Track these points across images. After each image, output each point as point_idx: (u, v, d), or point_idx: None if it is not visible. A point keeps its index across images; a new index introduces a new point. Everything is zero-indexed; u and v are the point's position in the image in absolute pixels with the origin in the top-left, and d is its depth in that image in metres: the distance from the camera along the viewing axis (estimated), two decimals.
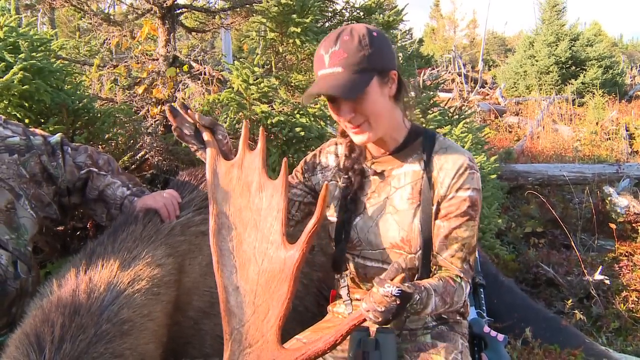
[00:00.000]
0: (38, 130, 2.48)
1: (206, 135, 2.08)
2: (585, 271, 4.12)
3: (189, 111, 2.11)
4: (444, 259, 1.85)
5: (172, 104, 2.17)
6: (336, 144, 2.10)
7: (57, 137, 2.46)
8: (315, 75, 1.79)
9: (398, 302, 1.51)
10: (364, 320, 1.54)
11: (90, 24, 4.69)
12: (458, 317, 2.08)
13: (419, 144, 1.92)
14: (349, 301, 2.08)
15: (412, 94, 5.10)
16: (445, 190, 1.84)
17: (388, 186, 1.94)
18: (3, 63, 2.98)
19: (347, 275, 2.07)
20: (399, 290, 1.49)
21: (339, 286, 2.12)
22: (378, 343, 1.65)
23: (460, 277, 1.84)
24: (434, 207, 1.86)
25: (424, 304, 1.66)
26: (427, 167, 1.87)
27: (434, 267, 1.88)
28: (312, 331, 2.09)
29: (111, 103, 4.14)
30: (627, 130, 10.30)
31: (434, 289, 1.70)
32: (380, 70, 1.76)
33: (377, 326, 1.66)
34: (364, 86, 1.71)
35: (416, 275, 1.90)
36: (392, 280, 1.51)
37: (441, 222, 1.85)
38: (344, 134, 2.01)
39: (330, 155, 2.09)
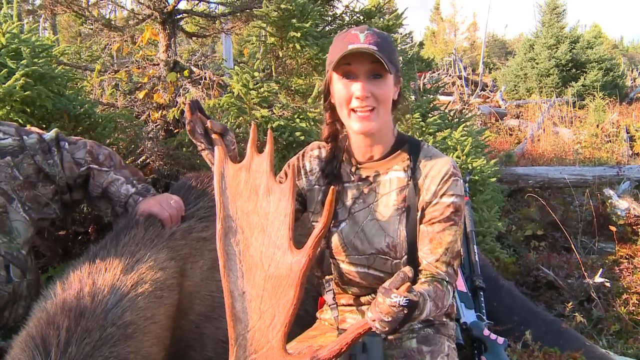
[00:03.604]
0: (33, 129, 2.46)
1: (215, 138, 2.09)
2: (585, 274, 4.11)
3: (201, 115, 2.15)
4: (429, 264, 1.87)
5: (193, 99, 2.19)
6: (319, 147, 2.12)
7: (52, 133, 2.43)
8: (339, 48, 1.81)
9: (405, 312, 1.50)
10: (369, 329, 1.53)
11: (92, 29, 4.71)
12: (444, 319, 2.09)
13: (404, 151, 1.96)
14: (335, 305, 2.09)
15: (412, 97, 5.14)
16: (430, 197, 1.88)
17: (373, 192, 1.96)
18: (5, 69, 2.99)
19: (332, 280, 2.08)
20: (406, 300, 1.47)
21: (324, 291, 2.13)
22: (365, 346, 1.66)
23: (447, 281, 1.86)
24: (419, 213, 1.90)
25: (421, 310, 1.67)
26: (413, 174, 1.91)
27: (420, 271, 1.90)
28: (299, 341, 2.09)
29: (112, 108, 4.17)
30: (627, 133, 10.29)
31: (428, 294, 1.71)
32: (396, 70, 1.84)
33: None
34: (392, 70, 1.78)
35: None
36: (397, 289, 1.50)
37: (425, 227, 1.89)
38: (328, 140, 2.04)
39: (314, 159, 2.10)
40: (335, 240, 1.99)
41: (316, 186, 2.07)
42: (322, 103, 2.01)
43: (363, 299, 2.06)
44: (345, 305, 2.11)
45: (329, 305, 2.11)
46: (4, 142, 2.29)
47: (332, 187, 1.59)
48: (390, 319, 1.50)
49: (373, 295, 2.03)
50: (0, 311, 2.23)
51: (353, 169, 2.00)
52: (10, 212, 2.26)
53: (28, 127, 2.53)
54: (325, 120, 2.03)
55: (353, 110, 1.83)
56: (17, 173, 2.29)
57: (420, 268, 1.90)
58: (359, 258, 1.96)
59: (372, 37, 1.78)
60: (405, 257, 1.90)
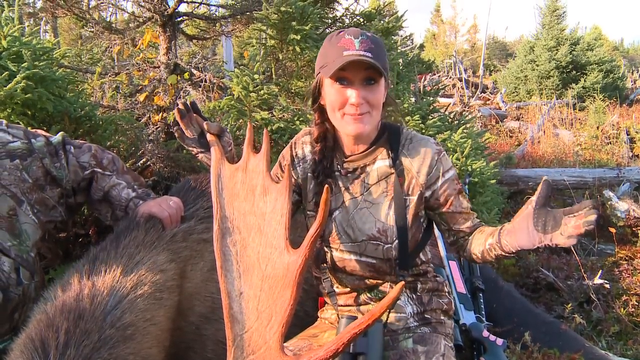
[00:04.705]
0: (40, 131, 2.47)
1: (211, 138, 2.11)
2: (585, 275, 4.12)
3: (196, 116, 2.16)
4: (473, 225, 2.00)
5: (183, 101, 2.20)
6: (310, 133, 2.13)
7: (59, 136, 2.45)
8: (334, 54, 1.82)
9: None
10: (366, 327, 1.54)
11: (92, 32, 4.73)
12: (442, 317, 2.11)
13: (386, 140, 2.00)
14: (333, 292, 2.13)
15: (412, 99, 5.14)
16: (424, 179, 1.94)
17: (362, 182, 2.00)
18: (6, 72, 3.00)
19: (327, 268, 2.11)
20: None
21: (321, 280, 2.16)
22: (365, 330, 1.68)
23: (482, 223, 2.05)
24: (414, 197, 1.95)
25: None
26: (396, 161, 1.96)
27: (469, 236, 2.00)
28: (300, 339, 2.11)
29: (113, 110, 4.17)
30: (627, 134, 10.31)
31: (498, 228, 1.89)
32: (387, 73, 1.87)
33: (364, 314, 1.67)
34: (385, 75, 1.83)
35: (394, 267, 1.97)
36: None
37: (448, 209, 1.98)
38: (318, 140, 2.06)
39: (307, 145, 2.12)
40: (328, 229, 2.03)
41: (309, 174, 2.09)
42: (310, 104, 2.03)
43: (360, 299, 2.08)
44: (344, 306, 2.12)
45: (327, 293, 2.14)
46: (13, 145, 2.29)
47: (326, 185, 1.60)
48: None
49: (368, 294, 2.06)
50: (10, 313, 2.24)
51: (342, 163, 2.03)
52: (19, 215, 2.27)
53: (29, 128, 2.54)
54: (314, 120, 2.05)
55: (346, 114, 1.85)
56: (27, 176, 2.29)
57: (467, 234, 2.01)
58: (351, 245, 1.99)
59: (366, 43, 1.79)
60: (397, 241, 1.94)
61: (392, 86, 2.03)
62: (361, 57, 1.75)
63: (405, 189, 1.95)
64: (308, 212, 2.11)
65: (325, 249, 2.06)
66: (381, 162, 1.98)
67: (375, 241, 1.95)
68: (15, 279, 2.24)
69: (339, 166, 2.03)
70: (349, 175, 2.01)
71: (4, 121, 2.35)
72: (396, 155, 1.96)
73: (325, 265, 2.10)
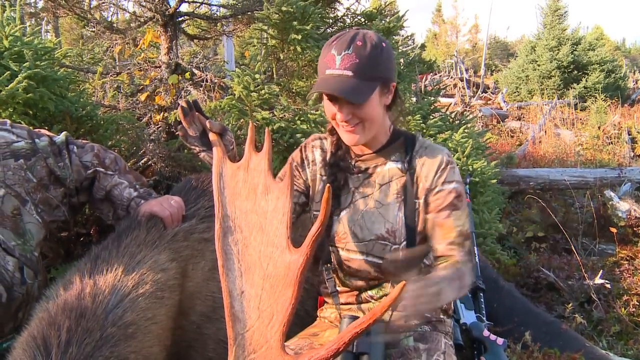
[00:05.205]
0: (44, 131, 2.47)
1: (213, 137, 2.12)
2: (586, 275, 4.12)
3: (199, 115, 2.17)
4: (444, 249, 1.91)
5: (186, 99, 2.21)
6: (320, 139, 2.15)
7: (62, 136, 2.45)
8: (320, 71, 1.83)
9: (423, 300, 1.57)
10: (367, 327, 1.54)
11: (94, 32, 4.73)
12: (441, 316, 2.12)
13: (400, 144, 2.00)
14: (336, 292, 2.13)
15: (414, 99, 5.14)
16: (429, 183, 1.93)
17: (373, 182, 2.01)
18: (8, 72, 3.01)
19: (330, 269, 2.11)
20: None
21: (324, 280, 2.15)
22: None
23: (463, 262, 1.88)
24: (421, 201, 1.95)
25: (441, 294, 1.68)
26: (410, 165, 1.96)
27: (437, 258, 1.94)
28: (300, 338, 2.12)
29: (114, 110, 4.18)
30: (629, 134, 10.32)
31: (447, 278, 1.75)
32: (384, 80, 1.84)
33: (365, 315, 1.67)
34: (370, 93, 1.79)
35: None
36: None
37: (433, 216, 1.94)
38: (332, 132, 2.07)
39: (317, 149, 2.14)
40: (335, 228, 2.04)
41: (318, 175, 2.11)
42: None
43: (362, 297, 2.09)
44: (345, 304, 2.13)
45: (330, 293, 2.14)
46: (17, 145, 2.29)
47: (327, 185, 1.60)
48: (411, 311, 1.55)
49: (370, 292, 2.07)
50: (14, 312, 2.25)
51: (353, 162, 2.04)
52: (23, 215, 2.27)
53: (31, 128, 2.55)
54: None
55: (339, 124, 1.87)
56: (31, 175, 2.30)
57: (436, 255, 1.94)
58: (358, 245, 2.00)
59: (349, 59, 1.75)
60: (404, 242, 1.94)
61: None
62: (336, 89, 1.73)
63: (415, 192, 1.96)
64: (314, 213, 2.13)
65: (331, 248, 2.07)
66: (393, 164, 1.99)
67: (384, 241, 1.96)
68: (19, 278, 2.25)
69: (351, 166, 2.04)
70: (359, 175, 2.03)
71: (8, 121, 2.35)
72: (411, 159, 1.97)
73: (329, 265, 2.11)
